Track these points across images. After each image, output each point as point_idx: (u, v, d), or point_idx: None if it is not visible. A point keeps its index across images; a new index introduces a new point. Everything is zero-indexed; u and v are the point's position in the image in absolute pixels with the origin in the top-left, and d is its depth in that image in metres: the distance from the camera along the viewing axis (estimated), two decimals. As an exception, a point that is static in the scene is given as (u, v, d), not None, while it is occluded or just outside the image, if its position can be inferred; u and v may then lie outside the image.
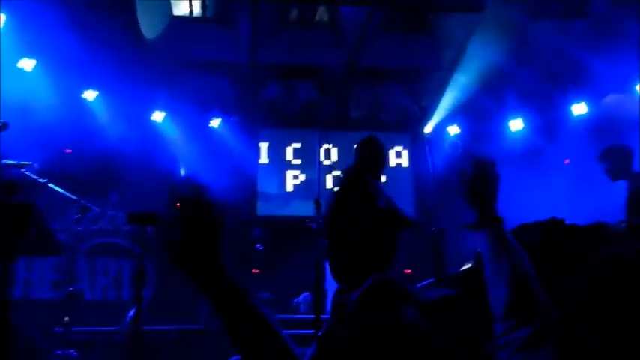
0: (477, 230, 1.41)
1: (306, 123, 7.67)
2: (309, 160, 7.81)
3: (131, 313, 4.79)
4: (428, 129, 8.01)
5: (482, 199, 1.41)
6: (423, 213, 7.41)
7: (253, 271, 6.35)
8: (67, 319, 4.55)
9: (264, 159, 8.09)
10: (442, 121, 7.95)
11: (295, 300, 6.58)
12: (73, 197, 4.62)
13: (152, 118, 7.40)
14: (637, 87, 6.48)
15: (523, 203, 5.35)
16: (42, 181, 4.44)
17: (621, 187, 4.92)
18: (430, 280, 3.92)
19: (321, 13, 7.38)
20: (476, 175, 1.42)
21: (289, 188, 8.02)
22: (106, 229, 6.61)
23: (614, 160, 4.68)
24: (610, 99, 6.93)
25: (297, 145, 8.09)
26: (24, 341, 4.11)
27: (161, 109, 7.42)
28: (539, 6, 6.77)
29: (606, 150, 4.74)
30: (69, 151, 6.70)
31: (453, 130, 8.10)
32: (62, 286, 5.00)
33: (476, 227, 1.42)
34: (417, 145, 7.82)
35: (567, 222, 3.48)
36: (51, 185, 4.55)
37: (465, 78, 7.40)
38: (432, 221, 3.39)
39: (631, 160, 4.68)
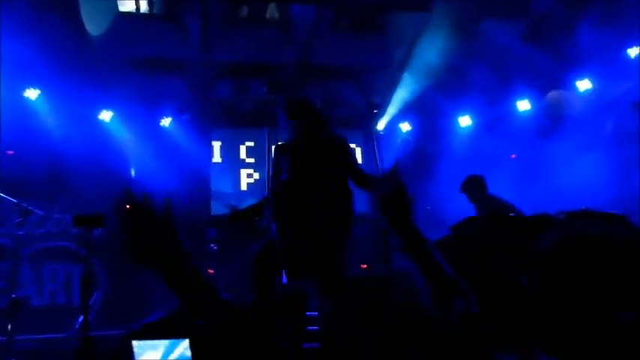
0: (406, 253, 1.44)
1: (258, 121, 7.61)
2: (263, 158, 7.75)
3: (81, 319, 4.66)
4: (380, 126, 8.11)
5: (402, 222, 1.43)
6: (375, 209, 7.50)
7: (209, 271, 6.27)
8: (9, 327, 4.38)
9: (217, 158, 8.00)
10: (394, 118, 8.06)
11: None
12: (13, 200, 4.44)
13: (100, 117, 7.19)
14: (577, 83, 6.74)
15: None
16: (-21, 185, 4.26)
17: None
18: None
19: (272, 11, 7.35)
20: (392, 196, 1.44)
21: (243, 187, 7.97)
22: (52, 233, 6.38)
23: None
24: (552, 95, 7.19)
25: (251, 144, 8.03)
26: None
27: (109, 108, 7.22)
28: (485, 6, 6.94)
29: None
30: (10, 152, 6.43)
31: (405, 126, 8.22)
32: (4, 293, 4.80)
33: (404, 250, 1.45)
34: (369, 142, 7.90)
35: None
36: (-11, 189, 4.37)
37: (416, 75, 7.53)
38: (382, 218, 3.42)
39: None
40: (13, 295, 4.43)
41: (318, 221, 3.31)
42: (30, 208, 4.52)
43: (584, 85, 6.65)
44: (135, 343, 2.72)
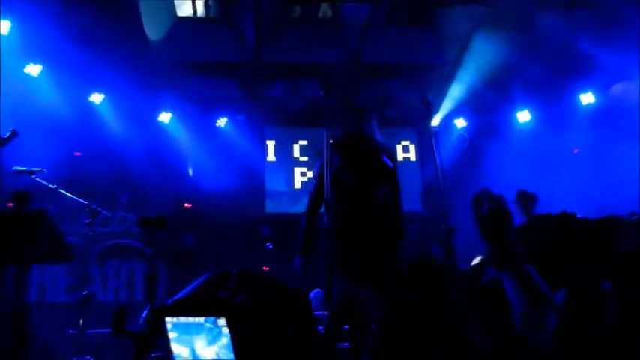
0: (493, 266, 1.42)
1: (311, 120, 7.67)
2: (316, 156, 7.80)
3: (144, 314, 4.84)
4: (435, 122, 7.99)
5: (498, 238, 1.42)
6: (432, 208, 7.41)
7: (264, 268, 6.38)
8: (81, 322, 4.61)
9: (271, 157, 8.10)
10: (449, 114, 7.93)
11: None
12: (84, 202, 4.66)
13: (159, 119, 7.43)
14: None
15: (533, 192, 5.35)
16: (52, 186, 4.48)
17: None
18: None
19: (325, 10, 7.37)
20: (491, 212, 1.43)
21: (297, 185, 8.04)
22: (116, 231, 6.66)
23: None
24: (617, 87, 6.90)
25: (304, 143, 8.09)
26: (41, 346, 4.16)
27: (167, 110, 7.45)
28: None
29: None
30: (78, 154, 6.74)
31: (460, 123, 8.08)
32: (76, 290, 5.05)
33: (492, 263, 1.43)
34: (424, 139, 7.81)
35: (578, 215, 3.47)
36: (61, 190, 4.59)
37: (471, 71, 7.38)
38: (441, 218, 3.39)
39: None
40: (83, 292, 4.64)
41: (376, 234, 3.30)
42: (98, 209, 4.73)
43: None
44: (168, 320, 2.43)
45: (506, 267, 1.40)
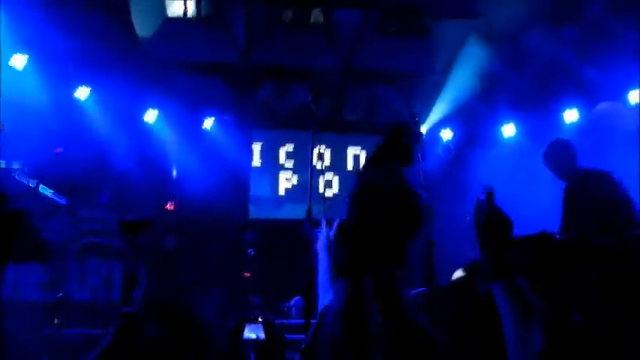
0: (490, 282, 1.40)
1: (299, 124, 7.65)
2: (302, 162, 7.79)
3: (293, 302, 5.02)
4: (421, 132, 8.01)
5: (495, 249, 1.40)
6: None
7: (245, 274, 6.33)
8: (56, 321, 4.53)
9: (256, 161, 8.05)
10: (435, 124, 7.97)
11: (286, 304, 6.57)
12: (63, 201, 4.59)
13: (145, 117, 7.34)
14: (629, 95, 6.50)
15: (515, 209, 5.36)
16: (32, 184, 4.41)
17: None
18: (422, 290, 3.92)
19: (316, 15, 7.36)
20: (491, 222, 1.41)
21: (281, 191, 8.01)
22: (96, 229, 6.54)
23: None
24: (603, 107, 6.96)
25: (290, 147, 8.06)
26: (14, 346, 4.07)
27: (154, 108, 7.36)
28: (532, 12, 6.78)
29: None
30: (59, 149, 6.63)
31: (446, 134, 8.11)
32: (52, 288, 4.96)
33: (489, 279, 1.41)
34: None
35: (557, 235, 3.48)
36: (41, 187, 4.52)
37: (459, 82, 7.42)
38: (424, 231, 3.38)
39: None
40: (59, 294, 4.56)
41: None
42: (79, 207, 4.66)
43: (634, 97, 6.41)
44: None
45: (500, 280, 1.38)
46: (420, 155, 3.65)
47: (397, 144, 3.52)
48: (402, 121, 3.85)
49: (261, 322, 3.66)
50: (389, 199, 3.26)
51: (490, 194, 1.43)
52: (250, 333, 3.73)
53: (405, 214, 3.24)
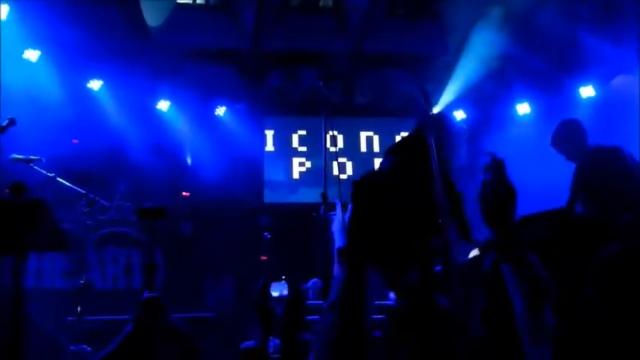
0: (495, 252, 1.38)
1: (311, 110, 7.64)
2: (315, 147, 7.81)
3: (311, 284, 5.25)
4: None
5: (502, 219, 1.36)
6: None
7: (262, 258, 6.40)
8: (79, 309, 4.62)
9: (270, 146, 8.08)
10: (448, 105, 7.91)
11: (304, 286, 6.62)
12: (82, 191, 4.66)
13: (157, 107, 7.40)
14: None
15: (532, 187, 5.33)
16: (50, 175, 4.48)
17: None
18: (439, 268, 3.94)
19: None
20: (494, 187, 1.38)
21: (295, 175, 8.04)
22: (114, 219, 6.63)
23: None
24: (618, 80, 6.86)
25: (303, 132, 8.08)
26: (38, 335, 4.18)
27: (166, 98, 7.41)
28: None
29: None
30: (75, 141, 6.71)
31: (459, 114, 8.06)
32: (73, 277, 5.06)
33: (494, 249, 1.39)
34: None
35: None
36: (59, 179, 4.59)
37: (472, 63, 7.34)
38: (439, 212, 3.37)
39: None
40: (81, 281, 4.65)
41: None
42: (97, 198, 4.73)
43: (652, 70, 6.30)
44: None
45: (509, 255, 1.34)
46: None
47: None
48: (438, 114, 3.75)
49: (284, 281, 4.08)
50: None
51: (494, 160, 1.40)
52: (275, 291, 4.04)
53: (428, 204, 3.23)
